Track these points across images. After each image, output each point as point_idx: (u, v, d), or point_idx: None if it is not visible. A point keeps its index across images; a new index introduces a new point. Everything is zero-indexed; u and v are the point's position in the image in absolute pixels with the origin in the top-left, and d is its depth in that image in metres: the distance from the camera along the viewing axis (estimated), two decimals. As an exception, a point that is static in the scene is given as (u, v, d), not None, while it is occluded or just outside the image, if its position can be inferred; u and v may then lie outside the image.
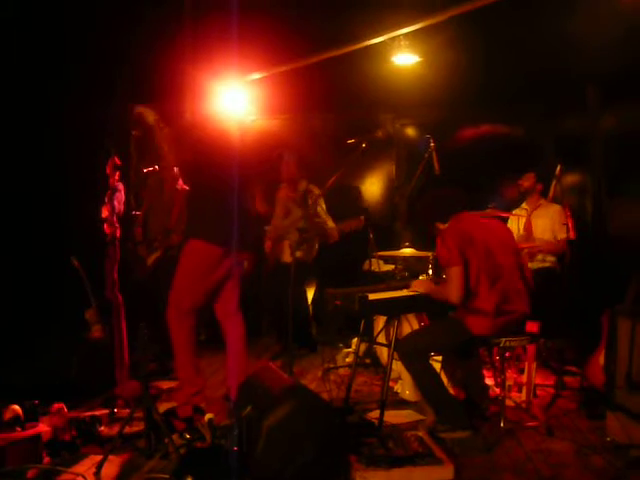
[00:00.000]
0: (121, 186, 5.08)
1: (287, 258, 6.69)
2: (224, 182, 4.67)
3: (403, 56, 6.82)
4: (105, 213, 4.92)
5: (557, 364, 5.44)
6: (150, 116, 4.62)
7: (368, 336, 5.47)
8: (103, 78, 6.61)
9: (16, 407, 3.98)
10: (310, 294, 6.93)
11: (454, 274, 4.17)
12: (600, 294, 5.29)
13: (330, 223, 6.65)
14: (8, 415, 3.92)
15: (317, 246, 6.78)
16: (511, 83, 6.87)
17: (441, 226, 4.45)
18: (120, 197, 5.05)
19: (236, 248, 4.70)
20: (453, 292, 4.18)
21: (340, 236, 6.60)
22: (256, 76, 7.18)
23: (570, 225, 5.33)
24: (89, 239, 5.63)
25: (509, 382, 4.87)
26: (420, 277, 5.11)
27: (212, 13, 6.67)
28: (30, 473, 3.63)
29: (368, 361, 6.00)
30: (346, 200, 7.92)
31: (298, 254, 5.69)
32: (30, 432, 3.86)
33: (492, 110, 7.52)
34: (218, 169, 4.65)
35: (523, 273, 4.39)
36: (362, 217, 6.39)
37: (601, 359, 4.59)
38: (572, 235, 5.33)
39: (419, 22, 6.16)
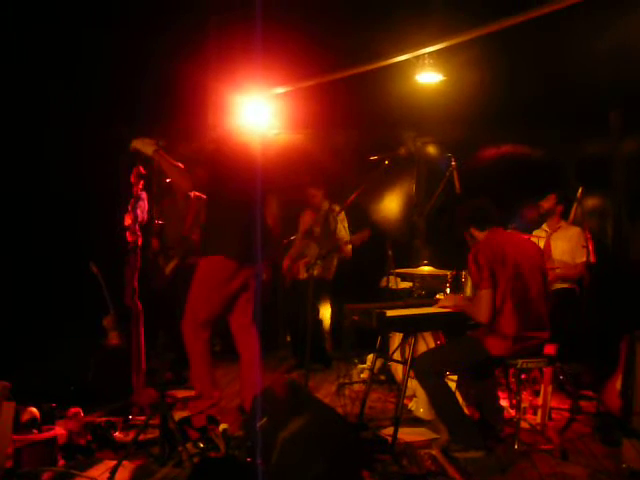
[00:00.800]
0: (145, 195, 5.11)
1: (303, 275, 6.73)
2: (243, 195, 4.70)
3: (427, 74, 6.83)
4: (128, 221, 4.95)
5: (573, 388, 5.40)
6: (148, 148, 4.52)
7: (384, 353, 5.47)
8: (126, 90, 6.67)
9: (33, 409, 4.02)
10: (326, 310, 6.96)
11: (484, 296, 4.17)
12: (619, 319, 5.26)
13: (350, 244, 6.70)
14: (25, 417, 3.96)
15: (335, 263, 6.81)
16: (534, 104, 6.86)
17: (477, 234, 4.45)
18: (143, 206, 5.08)
19: (253, 261, 4.72)
20: (482, 313, 4.17)
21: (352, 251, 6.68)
22: (280, 90, 7.22)
23: (590, 248, 5.31)
24: (110, 246, 5.68)
25: (524, 404, 4.84)
26: (437, 296, 5.12)
27: (236, 26, 6.73)
28: (45, 475, 3.66)
29: (383, 378, 6.00)
30: (363, 217, 7.95)
31: (316, 271, 5.73)
32: (46, 435, 3.90)
33: (514, 130, 7.51)
34: (238, 182, 4.67)
35: (547, 296, 4.37)
36: (368, 229, 6.43)
37: (618, 384, 4.56)
38: (592, 258, 5.31)
39: (444, 41, 6.17)
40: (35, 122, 6.14)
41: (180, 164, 4.58)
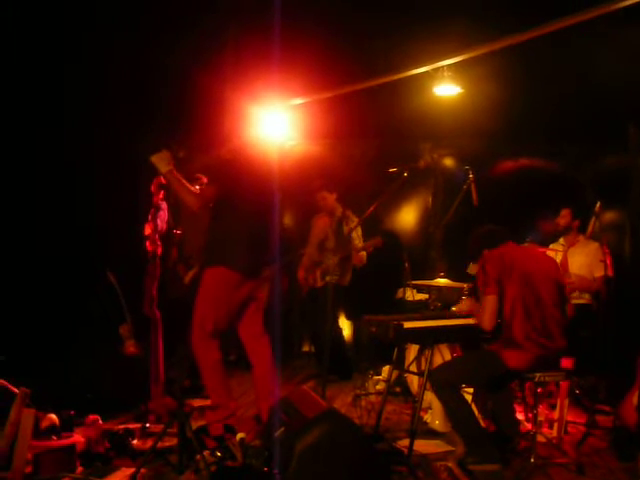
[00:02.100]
0: (165, 205, 5.16)
1: (319, 283, 6.76)
2: (254, 206, 4.72)
3: (445, 87, 6.85)
4: (148, 231, 4.99)
5: (589, 402, 5.39)
6: (163, 166, 4.55)
7: (400, 364, 5.48)
8: (145, 100, 6.73)
9: (53, 416, 4.07)
10: (344, 319, 7.00)
11: (488, 302, 4.21)
12: (636, 333, 5.24)
13: (363, 252, 6.74)
14: (45, 424, 4.00)
15: (351, 269, 6.84)
16: (552, 118, 6.87)
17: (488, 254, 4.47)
18: (163, 216, 5.13)
19: (259, 273, 4.74)
20: (485, 319, 4.22)
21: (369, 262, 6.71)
22: (298, 101, 7.26)
23: (608, 262, 5.30)
24: (129, 255, 5.73)
25: (540, 418, 4.83)
26: (453, 308, 5.13)
27: (254, 38, 6.77)
28: (64, 481, 3.69)
29: (398, 390, 6.01)
30: (377, 226, 7.97)
31: (331, 278, 5.76)
32: (65, 442, 3.94)
33: (532, 144, 7.52)
34: (251, 193, 4.70)
35: (564, 307, 4.38)
36: (380, 237, 6.45)
37: (635, 399, 4.53)
38: (610, 272, 5.30)
39: (463, 54, 6.19)
40: (55, 132, 6.20)
41: (190, 185, 4.60)
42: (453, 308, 5.10)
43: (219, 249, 4.67)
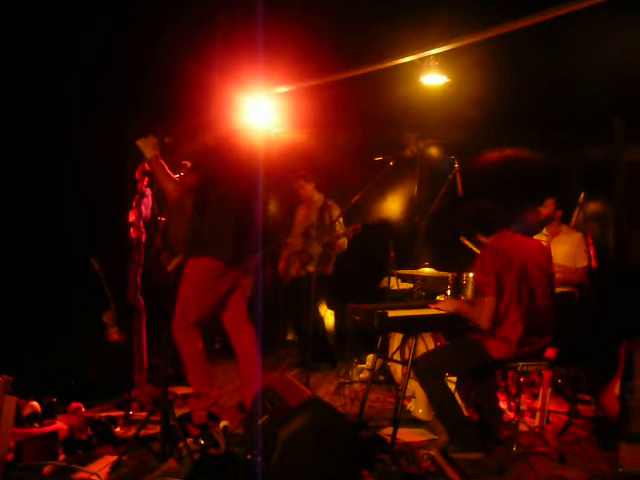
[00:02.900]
0: (149, 192, 5.13)
1: (300, 272, 6.76)
2: (237, 194, 4.69)
3: (431, 76, 6.84)
4: (132, 217, 4.97)
5: (571, 391, 5.43)
6: (148, 151, 4.51)
7: (384, 353, 5.49)
8: (131, 87, 6.68)
9: (35, 404, 4.05)
10: (325, 308, 7.00)
11: (488, 303, 4.18)
12: (618, 324, 5.27)
13: (344, 238, 6.75)
14: (27, 411, 3.98)
15: (334, 258, 6.84)
16: (538, 109, 6.88)
17: (483, 239, 4.45)
18: (147, 202, 5.10)
19: (242, 262, 4.72)
20: (485, 320, 4.19)
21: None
22: (283, 89, 7.23)
23: (592, 253, 5.33)
24: (113, 242, 5.70)
25: (523, 407, 4.86)
26: (438, 297, 5.13)
27: (240, 25, 6.73)
28: (46, 469, 3.67)
29: (382, 378, 6.02)
30: (360, 214, 7.98)
31: (312, 268, 5.77)
32: (47, 429, 3.92)
33: (517, 134, 7.53)
34: (235, 182, 4.67)
35: (553, 301, 4.39)
36: (359, 223, 6.46)
37: (616, 389, 4.57)
38: (594, 263, 5.33)
39: (449, 43, 6.18)
40: (39, 118, 6.15)
41: (173, 173, 4.57)
42: (438, 297, 5.11)
43: (202, 238, 4.63)
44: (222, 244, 4.59)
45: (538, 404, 4.88)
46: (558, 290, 5.91)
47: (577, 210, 5.84)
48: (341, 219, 6.79)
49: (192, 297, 4.61)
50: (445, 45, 6.24)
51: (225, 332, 4.91)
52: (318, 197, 6.93)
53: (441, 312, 4.55)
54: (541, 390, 4.87)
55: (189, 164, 5.04)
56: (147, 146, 4.51)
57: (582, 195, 5.60)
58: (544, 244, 6.09)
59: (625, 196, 7.18)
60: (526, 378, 5.22)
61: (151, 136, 4.53)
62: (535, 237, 6.23)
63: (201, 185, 4.62)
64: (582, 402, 5.35)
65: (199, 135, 4.99)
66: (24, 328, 5.64)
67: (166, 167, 4.52)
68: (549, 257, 4.57)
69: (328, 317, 7.02)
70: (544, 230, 6.33)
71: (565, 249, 6.08)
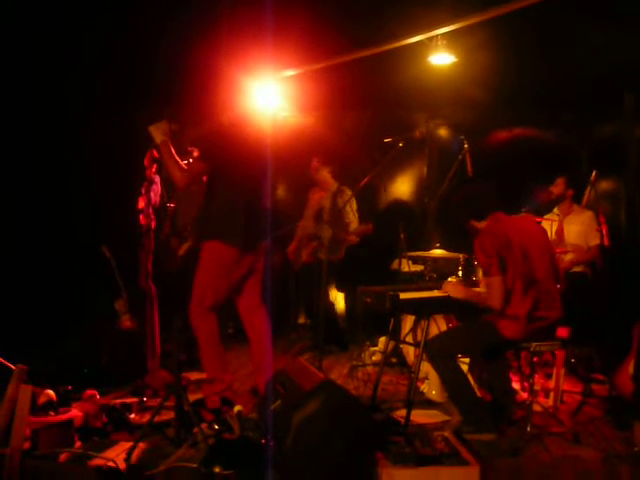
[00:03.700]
0: (158, 178, 5.13)
1: (308, 258, 6.76)
2: (248, 179, 4.68)
3: (440, 56, 6.78)
4: (141, 204, 4.97)
5: (585, 371, 5.41)
6: (158, 136, 4.52)
7: (396, 335, 5.49)
8: (138, 73, 6.66)
9: (50, 392, 4.06)
10: (336, 292, 6.99)
11: (495, 283, 4.16)
12: (632, 302, 5.25)
13: (355, 224, 6.72)
14: (42, 400, 3.99)
15: (345, 244, 6.83)
16: (547, 87, 6.82)
17: (478, 225, 4.43)
18: (156, 189, 5.11)
19: (257, 246, 4.72)
20: (495, 300, 4.17)
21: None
22: (291, 72, 7.19)
23: (604, 232, 5.29)
24: (123, 229, 5.70)
25: (536, 387, 4.85)
26: (449, 279, 5.11)
27: (247, 8, 6.69)
28: (62, 457, 3.69)
29: (394, 360, 6.02)
30: (375, 200, 7.97)
31: (322, 254, 5.76)
32: (63, 417, 3.94)
33: (527, 113, 7.48)
34: (245, 166, 4.65)
35: (558, 276, 4.38)
36: (370, 223, 6.45)
37: (630, 368, 4.55)
38: (606, 242, 5.29)
39: (457, 22, 6.12)
40: (46, 107, 6.15)
41: (180, 160, 4.56)
42: (450, 279, 5.09)
43: (216, 224, 4.63)
44: (236, 230, 4.58)
45: (552, 384, 4.86)
46: (571, 270, 5.93)
47: (589, 189, 5.79)
48: (354, 205, 6.77)
49: (209, 282, 4.62)
50: (453, 24, 6.18)
51: (238, 317, 4.92)
52: (333, 182, 6.91)
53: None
54: (554, 370, 4.85)
55: (196, 151, 5.03)
56: (158, 131, 4.51)
57: (594, 173, 5.55)
58: (555, 224, 6.09)
59: (637, 173, 7.13)
60: (539, 358, 5.22)
61: (164, 121, 4.52)
62: (546, 217, 6.21)
63: (210, 172, 4.61)
64: (596, 381, 5.34)
65: (206, 120, 4.97)
66: (37, 317, 5.67)
67: (174, 154, 4.51)
68: (545, 233, 4.57)
69: (338, 301, 7.02)
70: (555, 210, 6.29)
71: (577, 228, 6.06)
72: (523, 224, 4.50)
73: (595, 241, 5.70)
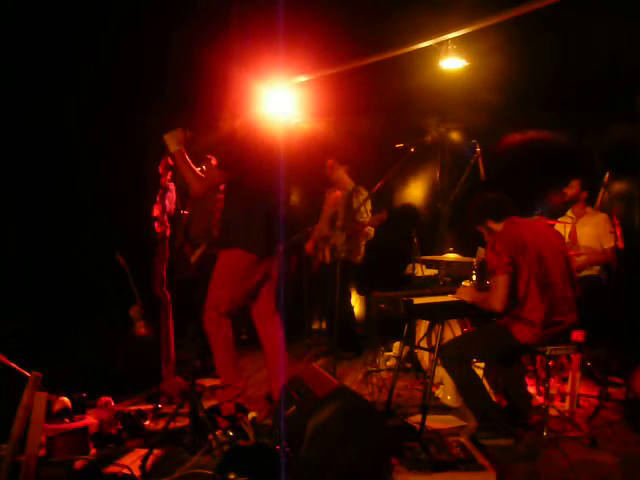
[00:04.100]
0: (172, 186, 5.14)
1: (328, 259, 6.74)
2: (264, 186, 4.69)
3: (450, 60, 6.79)
4: (156, 212, 4.98)
5: (601, 374, 5.38)
6: (173, 145, 4.52)
7: (410, 340, 5.47)
8: (150, 79, 6.69)
9: (65, 399, 4.09)
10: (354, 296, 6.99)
11: (500, 282, 4.14)
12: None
13: (370, 228, 6.72)
14: (57, 407, 4.02)
15: (363, 246, 6.82)
16: (559, 89, 6.80)
17: (494, 226, 4.41)
18: (171, 197, 5.12)
19: (274, 252, 4.72)
20: (497, 301, 4.15)
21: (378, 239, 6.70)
22: (303, 78, 7.21)
23: (618, 234, 5.26)
24: (138, 237, 5.72)
25: (552, 391, 4.83)
26: (463, 283, 5.10)
27: (258, 15, 6.71)
28: (78, 464, 3.71)
29: (409, 365, 6.00)
30: (386, 201, 7.94)
31: (342, 255, 5.75)
32: (78, 424, 3.96)
33: (539, 116, 7.45)
34: (259, 173, 4.66)
35: (573, 280, 4.36)
36: (385, 211, 6.43)
37: (647, 371, 4.53)
38: (620, 244, 5.26)
39: (468, 26, 6.12)
40: (62, 113, 6.18)
41: (196, 167, 4.57)
42: (463, 283, 5.07)
43: (233, 231, 4.64)
44: (253, 236, 4.59)
45: (568, 388, 4.83)
46: (585, 273, 5.90)
47: (602, 190, 5.76)
48: (369, 206, 6.76)
49: (225, 288, 4.61)
50: (463, 28, 6.18)
51: (251, 323, 4.93)
52: (348, 181, 6.90)
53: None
54: (570, 373, 4.81)
55: (214, 159, 5.05)
56: (173, 140, 4.52)
57: (607, 175, 5.51)
58: (569, 226, 6.06)
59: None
60: (555, 362, 5.19)
61: (178, 129, 4.53)
62: (560, 219, 6.18)
63: (229, 181, 4.63)
64: (612, 385, 5.31)
65: (220, 128, 4.97)
66: (52, 324, 5.70)
67: (190, 162, 4.53)
68: (562, 239, 4.55)
69: (357, 305, 7.01)
70: (568, 212, 6.27)
71: (590, 230, 6.03)
72: (539, 228, 4.48)
73: (610, 243, 5.67)
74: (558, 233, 4.65)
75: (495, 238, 4.24)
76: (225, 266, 4.63)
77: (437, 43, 6.58)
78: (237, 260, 4.60)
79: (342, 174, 6.88)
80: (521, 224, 4.37)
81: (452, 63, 6.78)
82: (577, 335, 4.33)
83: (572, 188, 6.16)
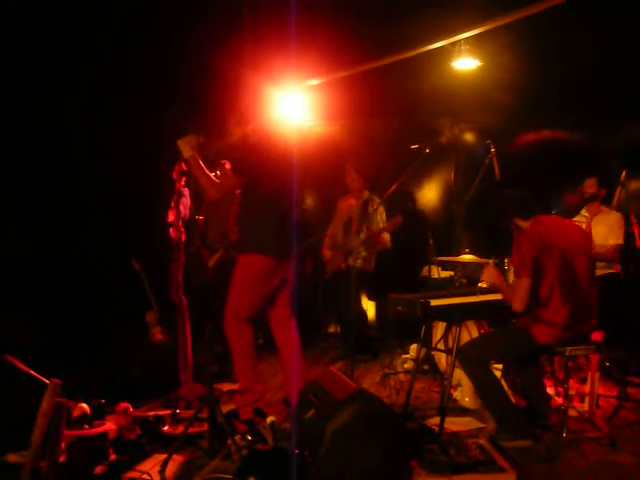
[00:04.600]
0: (187, 191, 5.16)
1: (343, 265, 6.74)
2: (279, 190, 4.70)
3: (463, 61, 6.78)
4: (171, 217, 5.00)
5: (620, 375, 5.34)
6: (186, 150, 4.53)
7: (427, 342, 5.45)
8: (163, 85, 6.71)
9: (84, 406, 4.09)
10: (367, 302, 6.97)
11: (522, 285, 4.12)
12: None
13: (386, 233, 6.70)
14: (76, 413, 4.02)
15: (375, 256, 6.81)
16: (575, 88, 6.75)
17: (522, 223, 4.37)
18: (186, 202, 5.13)
19: (291, 255, 4.73)
20: (518, 302, 4.13)
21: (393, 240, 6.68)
22: (315, 82, 7.21)
23: (636, 233, 5.23)
24: (153, 243, 5.74)
25: (571, 392, 4.79)
26: (479, 284, 5.06)
27: (271, 18, 6.72)
28: (98, 470, 3.72)
29: (426, 367, 5.98)
30: (402, 206, 7.92)
31: (358, 263, 5.74)
32: (97, 430, 3.96)
33: (555, 115, 7.40)
34: (274, 177, 4.67)
35: (595, 281, 4.32)
36: (400, 217, 6.40)
37: (667, 371, 4.50)
38: (638, 243, 5.23)
39: (481, 26, 6.10)
40: (76, 118, 6.21)
41: (210, 172, 4.59)
42: (480, 284, 5.05)
43: (250, 236, 4.66)
44: (269, 240, 4.60)
45: (586, 388, 4.80)
46: (603, 272, 5.85)
47: (619, 189, 5.73)
48: (384, 214, 6.74)
49: (245, 294, 4.62)
50: (476, 28, 6.16)
51: (268, 327, 4.93)
52: (364, 189, 6.89)
53: (485, 299, 4.50)
54: (589, 374, 4.79)
55: (228, 165, 5.05)
56: (186, 145, 4.53)
57: (624, 173, 5.49)
58: (584, 225, 6.02)
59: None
60: (573, 362, 5.16)
61: (192, 135, 4.55)
62: (575, 218, 6.14)
63: (245, 186, 4.64)
64: (632, 385, 5.27)
65: (232, 132, 4.98)
66: (69, 331, 5.72)
67: (204, 167, 4.54)
68: (588, 238, 4.50)
69: (369, 309, 7.00)
70: (583, 211, 6.23)
71: (603, 229, 5.99)
72: (566, 227, 4.43)
73: (617, 241, 5.63)
74: (585, 233, 4.60)
75: (522, 238, 4.21)
76: (244, 272, 4.64)
77: (450, 43, 6.56)
78: (255, 265, 4.61)
79: (357, 181, 6.86)
80: (548, 223, 4.33)
81: (465, 63, 6.76)
82: (596, 335, 4.31)
83: (591, 187, 6.12)
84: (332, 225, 7.04)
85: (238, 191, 4.86)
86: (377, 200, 6.66)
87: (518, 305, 4.13)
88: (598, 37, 6.09)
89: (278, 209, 4.67)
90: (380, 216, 6.69)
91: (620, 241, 5.39)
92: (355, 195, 6.89)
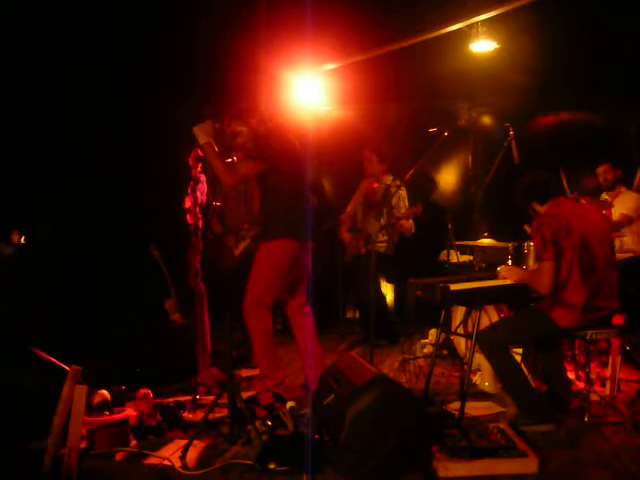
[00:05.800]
0: (203, 177, 5.15)
1: (362, 250, 6.70)
2: (298, 175, 4.69)
3: (481, 43, 6.71)
4: (188, 204, 5.00)
5: (641, 359, 5.30)
6: (202, 137, 4.52)
7: (447, 327, 5.43)
8: (179, 70, 6.70)
9: (104, 392, 4.12)
10: (387, 286, 6.94)
11: (546, 268, 4.08)
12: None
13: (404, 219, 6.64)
14: (97, 400, 4.05)
15: (396, 240, 6.76)
16: (593, 70, 6.68)
17: (539, 208, 4.34)
18: (202, 188, 5.13)
19: (311, 240, 4.72)
20: (544, 285, 4.09)
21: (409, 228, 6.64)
22: (331, 66, 7.17)
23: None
24: (171, 229, 5.74)
25: (592, 376, 4.76)
26: (498, 268, 5.03)
27: (287, 3, 6.69)
28: (118, 456, 3.73)
29: (445, 352, 5.96)
30: (420, 190, 7.88)
31: (379, 246, 5.70)
32: (118, 416, 3.98)
33: (573, 97, 7.32)
34: (290, 163, 4.66)
35: (615, 264, 4.28)
36: (420, 204, 6.35)
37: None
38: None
39: (498, 8, 6.05)
40: (94, 106, 6.22)
41: (225, 160, 4.58)
42: (499, 268, 5.01)
43: (271, 222, 4.66)
44: (294, 225, 4.61)
45: (608, 373, 4.75)
46: (623, 256, 5.80)
47: (639, 172, 5.67)
48: (406, 199, 6.68)
49: (271, 279, 4.62)
50: (493, 10, 6.11)
51: (285, 313, 4.93)
52: (387, 177, 6.80)
53: (504, 283, 4.46)
54: (610, 358, 4.74)
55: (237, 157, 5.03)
56: (202, 132, 4.52)
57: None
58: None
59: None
60: (594, 346, 5.12)
61: (208, 121, 4.53)
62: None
63: (265, 172, 4.63)
64: (653, 369, 5.23)
65: (250, 118, 4.94)
66: (89, 318, 5.75)
67: (219, 154, 4.53)
68: (609, 224, 4.46)
69: (388, 293, 6.97)
70: (603, 194, 6.17)
71: (622, 209, 5.95)
72: (585, 210, 4.37)
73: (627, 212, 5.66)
74: (605, 217, 4.55)
75: (540, 221, 4.17)
76: (269, 257, 4.63)
77: (467, 26, 6.51)
78: (283, 250, 4.61)
79: (378, 166, 6.77)
80: (567, 206, 4.28)
81: (483, 46, 6.70)
82: (617, 319, 4.26)
83: (606, 172, 6.08)
84: (351, 204, 6.96)
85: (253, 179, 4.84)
86: (400, 185, 6.60)
87: (544, 289, 4.09)
88: (615, 19, 6.01)
89: (296, 194, 4.66)
90: (403, 202, 6.62)
91: (631, 213, 5.37)
92: (377, 179, 6.81)
